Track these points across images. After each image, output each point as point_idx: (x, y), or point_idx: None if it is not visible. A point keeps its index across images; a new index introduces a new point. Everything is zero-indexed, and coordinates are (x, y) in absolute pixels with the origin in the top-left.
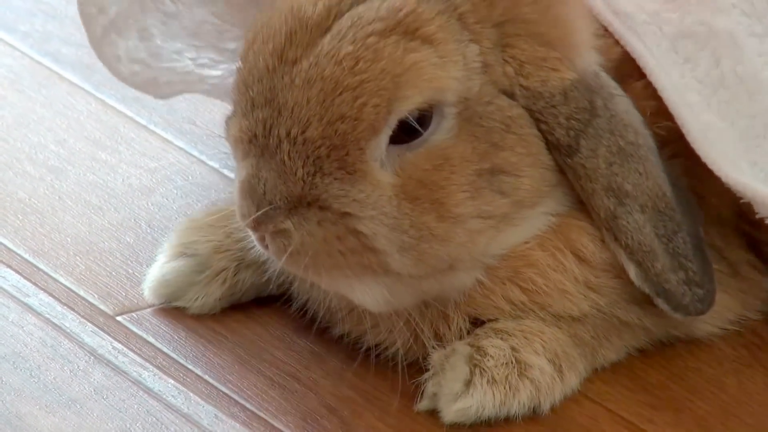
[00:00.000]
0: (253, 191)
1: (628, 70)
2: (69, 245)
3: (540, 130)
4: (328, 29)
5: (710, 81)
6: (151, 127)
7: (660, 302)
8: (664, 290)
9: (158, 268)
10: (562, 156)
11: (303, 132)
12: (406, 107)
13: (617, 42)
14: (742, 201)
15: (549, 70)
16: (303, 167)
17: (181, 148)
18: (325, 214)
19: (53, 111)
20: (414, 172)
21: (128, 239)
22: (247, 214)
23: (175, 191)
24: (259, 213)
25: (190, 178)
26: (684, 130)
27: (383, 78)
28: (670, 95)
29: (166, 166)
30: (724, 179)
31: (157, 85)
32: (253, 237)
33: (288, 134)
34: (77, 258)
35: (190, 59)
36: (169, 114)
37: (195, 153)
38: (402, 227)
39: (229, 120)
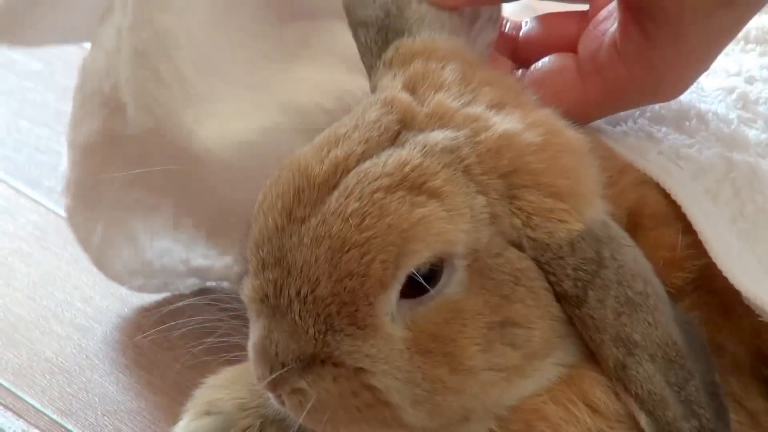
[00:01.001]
0: (265, 353)
1: (640, 220)
2: (97, 405)
3: (548, 281)
4: (335, 186)
5: (729, 210)
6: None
7: None
8: None
9: (183, 428)
10: (571, 307)
11: (313, 291)
12: (415, 262)
13: (626, 191)
14: (760, 319)
15: (556, 222)
16: (314, 326)
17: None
18: (339, 371)
19: (79, 268)
20: (426, 325)
21: (157, 398)
22: (262, 377)
23: (203, 349)
24: (274, 376)
25: (218, 335)
26: (706, 245)
27: (390, 233)
28: (691, 209)
29: (193, 323)
30: (744, 293)
31: (175, 287)
32: (270, 396)
33: (298, 293)
34: (105, 418)
35: (181, 261)
36: None
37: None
38: (415, 381)
39: (244, 279)
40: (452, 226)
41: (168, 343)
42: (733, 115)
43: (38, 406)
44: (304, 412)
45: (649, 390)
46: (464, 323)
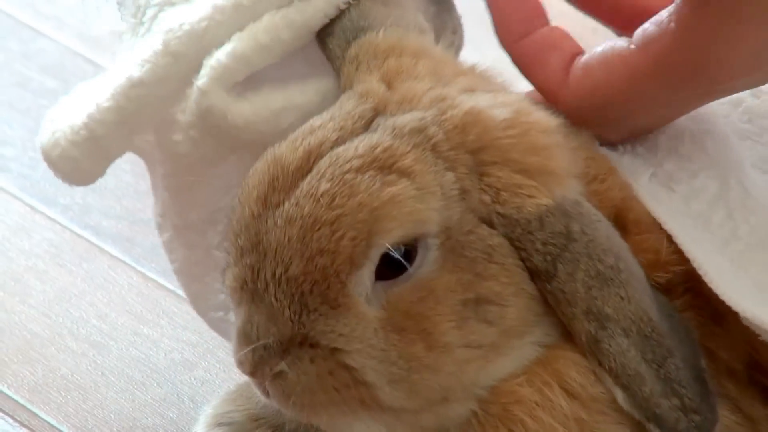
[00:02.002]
0: (247, 337)
1: (625, 224)
2: (112, 422)
3: (520, 257)
4: (308, 171)
5: (722, 233)
6: None
7: (651, 427)
8: (655, 415)
9: None
10: (542, 281)
11: (286, 271)
12: (387, 240)
13: (612, 188)
14: (760, 338)
15: (525, 197)
16: (290, 306)
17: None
18: (316, 351)
19: (94, 285)
20: (400, 304)
21: (171, 415)
22: (244, 359)
23: (218, 365)
24: (254, 355)
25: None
26: (699, 270)
27: (360, 211)
28: (681, 238)
29: (208, 339)
30: (742, 315)
31: None
32: (255, 387)
33: (273, 275)
34: None
35: None
36: None
37: None
38: (390, 359)
39: (224, 270)
40: (424, 205)
41: (183, 358)
42: (730, 132)
43: (54, 422)
44: (287, 398)
45: (623, 363)
46: (438, 300)
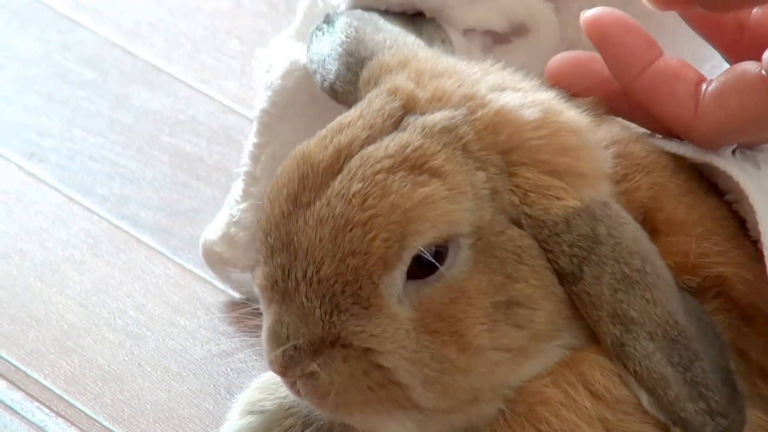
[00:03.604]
0: (277, 337)
1: (655, 225)
2: (149, 412)
3: (547, 259)
4: (339, 171)
5: None
6: (229, 291)
7: (677, 431)
8: (681, 419)
9: (227, 428)
10: (568, 284)
11: (318, 271)
12: (420, 242)
13: (640, 187)
14: None
15: (552, 199)
16: (320, 306)
17: (260, 313)
18: (348, 351)
19: (132, 276)
20: (432, 305)
21: (207, 405)
22: (274, 360)
23: (254, 356)
24: (284, 356)
25: None
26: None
27: (393, 212)
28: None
29: (244, 330)
30: None
31: None
32: (285, 385)
33: (304, 275)
34: (157, 425)
35: None
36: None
37: None
38: (423, 360)
39: (255, 269)
40: (456, 205)
41: (219, 350)
42: None
43: (90, 413)
44: (319, 397)
45: (648, 367)
46: (470, 302)
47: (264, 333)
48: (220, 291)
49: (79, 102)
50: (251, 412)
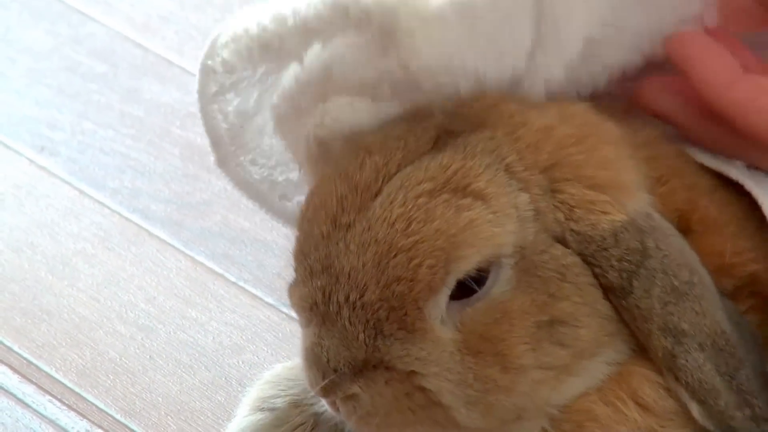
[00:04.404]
0: (318, 360)
1: (690, 225)
2: (160, 405)
3: (594, 274)
4: (378, 192)
5: None
6: (241, 283)
7: None
8: (730, 427)
9: (237, 423)
10: (617, 298)
11: (361, 297)
12: (465, 267)
13: (675, 191)
14: None
15: (599, 214)
16: (364, 331)
17: (271, 305)
18: (391, 374)
19: (143, 268)
20: (475, 326)
21: (219, 398)
22: (315, 383)
23: (266, 349)
24: (326, 382)
25: (281, 335)
26: None
27: (438, 238)
28: None
29: (256, 323)
30: None
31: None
32: (323, 402)
33: (347, 300)
34: (168, 418)
35: None
36: (258, 270)
37: (285, 310)
38: (467, 381)
39: (291, 288)
40: (500, 228)
41: (231, 342)
42: None
43: (102, 406)
44: (358, 417)
45: (700, 379)
46: (512, 323)
47: (303, 353)
48: (231, 283)
49: (90, 95)
50: (261, 409)
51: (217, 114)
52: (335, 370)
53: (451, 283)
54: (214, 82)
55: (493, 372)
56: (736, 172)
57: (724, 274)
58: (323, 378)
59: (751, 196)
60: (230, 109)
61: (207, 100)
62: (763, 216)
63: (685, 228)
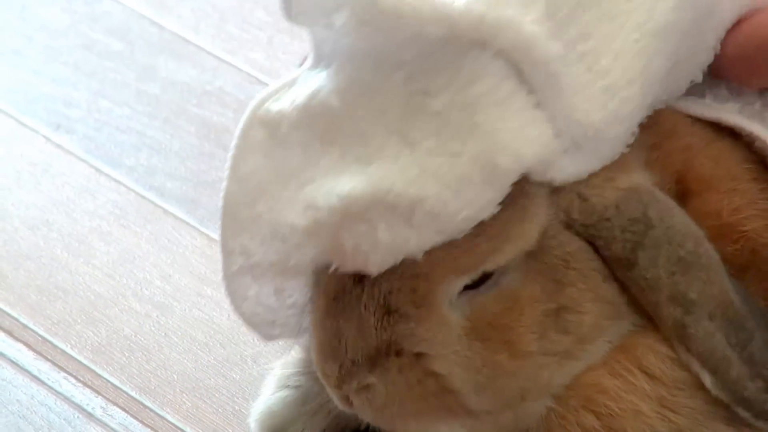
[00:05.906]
0: (333, 351)
1: (687, 185)
2: (175, 382)
3: (596, 247)
4: None
5: None
6: None
7: (740, 411)
8: (743, 398)
9: (264, 401)
10: (623, 270)
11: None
12: (494, 266)
13: (671, 154)
14: None
15: (601, 183)
16: (374, 314)
17: None
18: (402, 360)
19: (158, 246)
20: (484, 314)
21: (234, 375)
22: (330, 375)
23: None
24: (340, 369)
25: None
26: None
27: None
28: None
29: None
30: None
31: (272, 326)
32: (334, 397)
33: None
34: (183, 395)
35: None
36: None
37: None
38: (475, 366)
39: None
40: (532, 223)
41: None
42: None
43: (117, 383)
44: (375, 409)
45: (711, 348)
46: (522, 311)
47: (314, 343)
48: None
49: (106, 73)
50: (287, 386)
51: None
52: (353, 362)
53: (477, 274)
54: None
55: (501, 358)
56: (730, 117)
57: (724, 237)
58: (340, 369)
59: (745, 144)
60: None
61: None
62: (757, 169)
63: (684, 189)
